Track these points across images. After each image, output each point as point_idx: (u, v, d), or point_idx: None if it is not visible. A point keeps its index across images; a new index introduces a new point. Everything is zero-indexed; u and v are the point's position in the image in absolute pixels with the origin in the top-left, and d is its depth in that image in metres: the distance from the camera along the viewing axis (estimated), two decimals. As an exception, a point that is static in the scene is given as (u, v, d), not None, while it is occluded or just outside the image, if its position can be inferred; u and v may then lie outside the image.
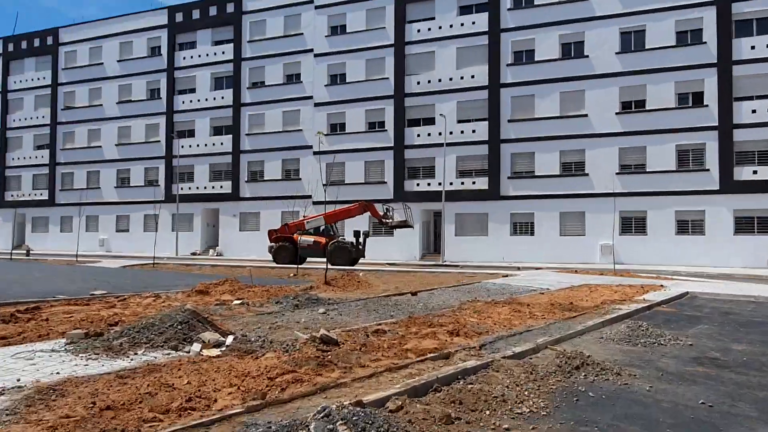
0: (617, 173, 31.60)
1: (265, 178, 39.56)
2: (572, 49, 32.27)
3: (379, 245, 35.08)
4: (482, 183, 33.76)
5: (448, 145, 34.30)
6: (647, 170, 30.93)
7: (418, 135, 35.35)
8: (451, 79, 34.88)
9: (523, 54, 33.53)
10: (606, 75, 31.60)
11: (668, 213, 30.59)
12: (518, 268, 26.92)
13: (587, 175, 32.12)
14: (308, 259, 29.32)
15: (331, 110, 37.41)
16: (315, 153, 37.04)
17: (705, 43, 29.52)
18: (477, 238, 33.77)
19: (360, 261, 29.39)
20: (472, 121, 34.42)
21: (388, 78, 36.26)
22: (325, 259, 27.32)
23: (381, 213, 29.07)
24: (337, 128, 37.67)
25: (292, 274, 21.40)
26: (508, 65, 33.48)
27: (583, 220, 32.31)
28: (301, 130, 38.60)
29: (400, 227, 28.89)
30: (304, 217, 30.64)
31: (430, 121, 35.56)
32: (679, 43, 30.10)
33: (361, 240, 28.36)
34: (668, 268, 27.85)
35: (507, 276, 20.58)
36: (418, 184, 35.27)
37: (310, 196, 35.59)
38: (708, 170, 30.18)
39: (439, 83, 34.79)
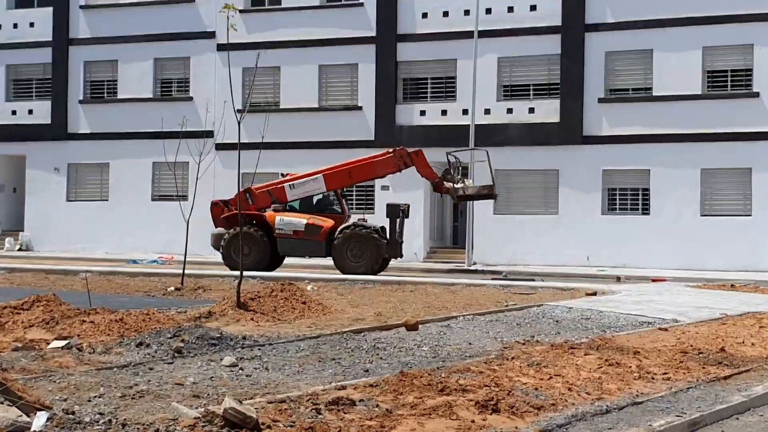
0: None
1: (119, 97, 40.91)
2: None
3: None
4: (548, 111, 34.60)
5: (484, 34, 33.88)
6: None
7: (424, 15, 35.87)
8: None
9: None
10: None
11: None
12: (618, 279, 27.72)
13: (757, 95, 31.80)
14: (287, 259, 29.86)
15: (252, -35, 39.48)
16: (221, 47, 36.76)
17: None
18: (537, 218, 34.65)
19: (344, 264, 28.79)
20: None
21: None
22: (328, 260, 28.23)
23: (436, 170, 28.66)
24: None
25: (173, 288, 22.18)
26: None
27: (749, 186, 32.37)
28: (192, 0, 39.72)
29: (477, 198, 29.15)
30: (282, 176, 29.84)
31: None
32: None
33: (397, 224, 28.36)
34: None
35: (595, 294, 21.34)
36: (423, 113, 35.90)
37: (210, 134, 33.39)
38: None
39: None
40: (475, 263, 32.54)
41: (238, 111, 20.00)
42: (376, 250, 27.20)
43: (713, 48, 32.13)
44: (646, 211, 33.20)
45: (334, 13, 36.82)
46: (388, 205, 28.95)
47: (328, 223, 27.83)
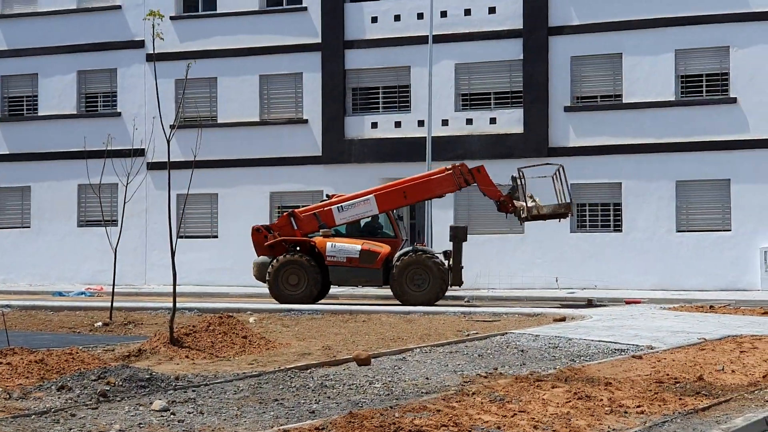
0: None
1: (40, 113, 40.92)
2: None
3: None
4: (511, 121, 34.71)
5: (440, 39, 33.98)
6: None
7: (374, 19, 35.93)
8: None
9: None
10: None
11: None
12: (589, 302, 27.90)
13: (734, 100, 32.03)
14: (336, 288, 29.99)
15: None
16: (150, 58, 36.48)
17: None
18: (502, 238, 34.75)
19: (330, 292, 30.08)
20: None
21: None
22: (384, 288, 28.43)
23: (501, 188, 28.42)
24: (197, 4, 38.38)
25: (101, 323, 22.05)
26: None
27: (727, 199, 32.46)
28: (119, 6, 39.18)
29: (551, 218, 28.42)
30: (328, 197, 29.46)
31: None
32: None
33: (451, 249, 28.05)
34: None
35: (564, 319, 21.48)
36: (375, 125, 35.85)
37: (140, 152, 32.62)
38: None
39: None
40: (434, 288, 32.44)
41: (170, 126, 19.70)
42: (440, 278, 26.88)
43: (687, 51, 32.31)
44: (618, 227, 33.27)
45: (275, 19, 36.78)
46: (452, 227, 28.65)
47: (384, 248, 27.58)
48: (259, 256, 28.26)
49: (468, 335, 18.29)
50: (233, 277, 35.40)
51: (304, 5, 35.91)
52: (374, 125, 35.24)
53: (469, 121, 34.36)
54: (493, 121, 34.19)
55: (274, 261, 27.41)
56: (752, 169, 30.98)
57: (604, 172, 33.22)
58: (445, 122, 34.25)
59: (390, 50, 35.14)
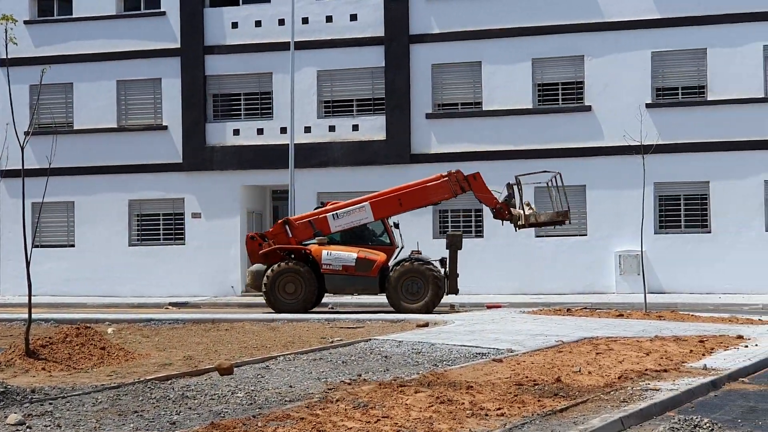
0: (649, 105, 32.27)
1: None
2: None
3: (152, 264, 35.97)
4: (374, 128, 34.89)
5: (302, 46, 34.13)
6: (708, 98, 32.53)
7: (234, 24, 36.02)
8: None
9: None
10: None
11: (752, 185, 31.65)
12: (452, 307, 27.82)
13: (589, 108, 32.83)
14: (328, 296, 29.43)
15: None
16: (3, 63, 35.32)
17: None
18: None
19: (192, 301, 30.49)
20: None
21: None
22: (379, 296, 27.86)
23: (497, 194, 27.83)
24: (53, 7, 38.14)
25: None
26: None
27: (583, 204, 33.33)
28: None
29: (549, 225, 28.37)
30: (322, 204, 28.86)
31: None
32: None
33: (446, 257, 27.67)
34: (753, 298, 29.67)
35: (427, 325, 21.61)
36: (237, 132, 35.91)
37: None
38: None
39: None
40: (297, 296, 32.42)
41: (24, 133, 19.27)
42: (436, 286, 26.44)
43: (543, 60, 32.92)
44: (479, 233, 33.53)
45: (133, 24, 36.34)
46: (447, 235, 28.31)
47: (380, 256, 27.19)
48: (253, 263, 27.83)
49: (332, 342, 18.30)
50: (91, 287, 34.70)
51: (162, 10, 35.40)
52: (236, 132, 34.93)
53: (332, 128, 34.39)
54: (355, 128, 34.28)
55: (271, 269, 26.83)
56: (607, 175, 31.44)
57: (465, 179, 33.25)
58: (307, 129, 34.15)
59: (251, 56, 34.94)
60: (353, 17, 34.25)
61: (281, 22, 34.51)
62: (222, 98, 35.50)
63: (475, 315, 24.33)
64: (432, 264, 26.78)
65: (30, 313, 17.68)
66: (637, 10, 31.63)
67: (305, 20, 34.28)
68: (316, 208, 28.95)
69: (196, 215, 34.68)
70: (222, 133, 35.07)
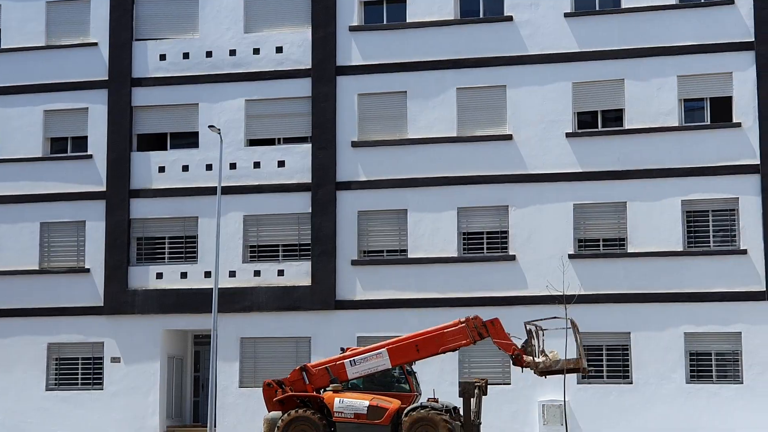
0: (571, 256, 32.78)
1: None
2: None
3: (69, 409, 35.03)
4: (299, 273, 34.92)
5: (228, 191, 34.70)
6: (629, 250, 32.67)
7: (161, 169, 36.09)
8: (234, 52, 35.39)
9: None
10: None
11: (672, 337, 31.99)
12: None
13: (513, 258, 33.17)
14: None
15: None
16: None
17: None
18: None
19: None
20: (279, 142, 35.70)
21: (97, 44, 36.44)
22: None
23: (514, 340, 27.20)
24: None
25: None
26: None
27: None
28: None
29: (562, 373, 26.93)
30: (342, 351, 28.30)
31: (190, 139, 36.41)
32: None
33: (473, 404, 26.77)
34: None
35: None
36: (160, 275, 35.70)
37: None
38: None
39: (207, 58, 35.73)
40: (217, 441, 31.59)
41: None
42: None
43: (468, 209, 33.16)
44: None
45: (58, 166, 36.05)
46: (461, 382, 27.62)
47: (393, 404, 26.63)
48: (269, 411, 27.19)
49: None
50: (5, 432, 33.70)
51: (89, 153, 35.20)
52: (159, 276, 34.50)
53: (257, 273, 34.12)
54: (281, 273, 34.04)
55: (281, 418, 26.44)
56: None
57: (390, 325, 33.21)
58: (232, 273, 33.92)
59: (177, 200, 34.72)
60: (281, 164, 34.36)
61: (209, 167, 34.58)
62: (146, 241, 35.11)
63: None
64: (444, 412, 26.15)
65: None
66: (560, 163, 32.14)
67: (233, 165, 34.34)
68: (337, 355, 28.45)
69: (115, 360, 34.04)
70: (145, 277, 34.63)
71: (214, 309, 31.59)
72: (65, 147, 35.89)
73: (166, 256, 35.14)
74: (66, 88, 35.73)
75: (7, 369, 34.58)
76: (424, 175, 33.41)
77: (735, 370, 31.12)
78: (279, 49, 34.39)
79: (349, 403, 26.54)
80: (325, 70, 33.82)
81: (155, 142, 35.70)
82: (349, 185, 33.77)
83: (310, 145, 33.78)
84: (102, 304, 34.33)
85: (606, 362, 32.41)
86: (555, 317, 27.20)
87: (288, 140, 34.47)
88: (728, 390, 30.84)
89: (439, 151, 32.94)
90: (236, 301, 33.36)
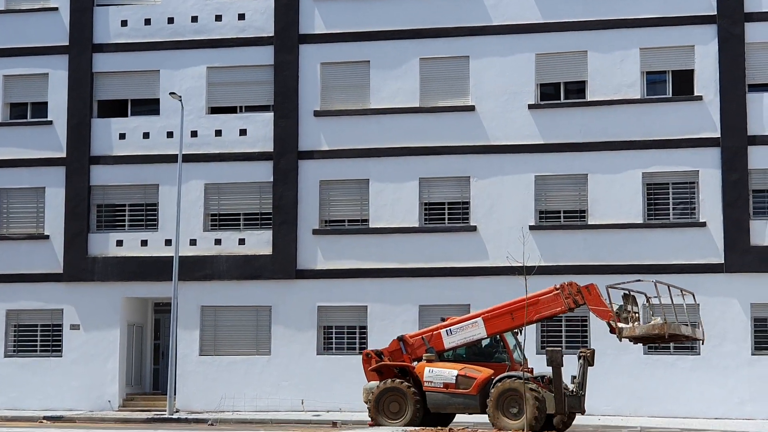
0: (532, 227, 32.91)
1: None
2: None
3: (27, 375, 35.00)
4: (260, 242, 35.00)
5: (190, 158, 34.67)
6: (589, 222, 32.92)
7: (122, 136, 36.05)
8: (195, 19, 35.03)
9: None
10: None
11: None
12: (334, 424, 28.55)
13: (474, 229, 33.31)
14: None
15: None
16: None
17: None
18: (247, 359, 34.52)
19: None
20: (241, 111, 35.70)
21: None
22: (487, 417, 25.82)
23: (614, 307, 25.88)
24: None
25: None
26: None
27: None
28: None
29: (647, 342, 26.55)
30: (442, 320, 27.84)
31: (151, 106, 36.25)
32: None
33: (576, 373, 26.03)
34: (631, 420, 30.10)
35: None
36: (120, 243, 35.74)
37: None
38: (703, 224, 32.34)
39: (169, 24, 35.79)
40: (177, 411, 32.10)
41: None
42: (535, 406, 24.90)
43: (430, 179, 33.27)
44: (363, 349, 31.63)
45: (18, 132, 35.90)
46: (547, 350, 26.50)
47: (483, 373, 25.90)
48: (369, 381, 26.86)
49: None
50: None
51: (49, 119, 35.05)
52: (119, 243, 34.47)
53: (218, 242, 34.23)
54: (242, 241, 34.14)
55: (374, 388, 26.11)
56: (490, 294, 30.69)
57: (351, 296, 33.55)
58: (193, 242, 33.95)
59: (138, 167, 34.72)
60: (243, 132, 34.41)
61: (170, 134, 34.51)
62: (106, 209, 35.08)
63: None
64: (532, 382, 25.48)
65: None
66: (522, 134, 32.35)
67: (194, 133, 34.29)
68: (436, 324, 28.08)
69: (74, 327, 34.00)
70: (105, 244, 34.61)
71: (174, 277, 31.78)
72: (25, 113, 35.72)
73: (127, 223, 35.12)
74: (26, 53, 35.42)
75: (-35, 337, 34.40)
76: (387, 145, 33.54)
77: (692, 342, 31.27)
78: (241, 16, 34.22)
79: (438, 372, 26.11)
80: (287, 38, 33.72)
81: (116, 108, 35.55)
82: (311, 154, 33.84)
83: (273, 113, 33.78)
84: (61, 271, 34.33)
85: (564, 334, 32.83)
86: (638, 280, 26.56)
87: (250, 108, 34.46)
88: (685, 361, 31.26)
89: (402, 121, 33.03)
90: (197, 269, 33.44)
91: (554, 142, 32.18)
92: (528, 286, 24.19)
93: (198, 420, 30.02)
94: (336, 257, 33.55)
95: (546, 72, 32.75)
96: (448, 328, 26.71)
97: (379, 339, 32.80)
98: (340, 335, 33.91)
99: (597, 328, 31.40)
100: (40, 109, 35.38)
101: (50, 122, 35.07)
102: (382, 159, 33.46)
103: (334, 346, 33.78)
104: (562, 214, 32.58)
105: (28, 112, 35.58)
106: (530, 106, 32.37)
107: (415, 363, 26.23)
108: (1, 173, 35.19)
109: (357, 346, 33.46)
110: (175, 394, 32.32)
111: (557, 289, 26.16)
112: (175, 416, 31.02)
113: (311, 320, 33.59)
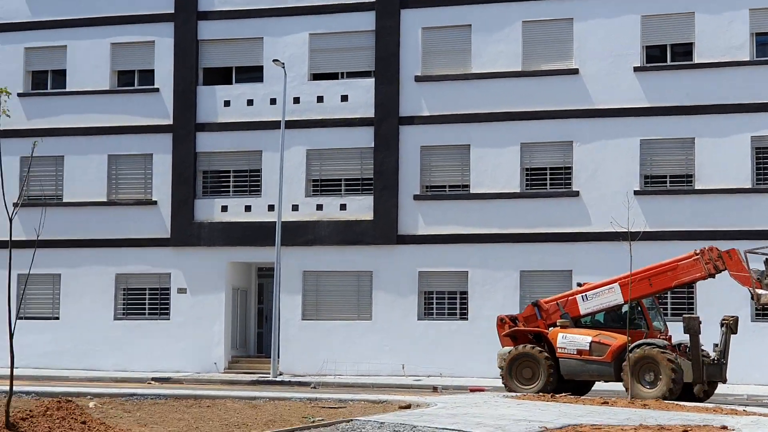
0: (637, 192, 32.38)
1: None
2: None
3: (136, 338, 35.66)
4: (361, 207, 35.12)
5: (292, 125, 34.87)
6: (696, 187, 32.45)
7: (227, 103, 36.31)
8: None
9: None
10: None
11: None
12: (435, 389, 28.23)
13: (577, 194, 32.93)
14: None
15: (32, 40, 37.65)
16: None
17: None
18: (349, 324, 34.69)
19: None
20: (342, 77, 35.64)
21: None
22: (622, 385, 25.37)
23: (755, 272, 25.19)
24: (46, 81, 38.17)
25: None
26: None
27: (569, 289, 31.34)
28: None
29: None
30: (579, 285, 27.72)
31: (254, 73, 36.36)
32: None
33: (719, 342, 25.32)
34: (737, 389, 29.22)
35: (410, 407, 20.84)
36: (225, 208, 36.03)
37: None
38: None
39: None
40: (281, 374, 32.33)
41: (13, 204, 19.23)
42: (670, 374, 24.40)
43: (532, 144, 32.92)
44: (464, 315, 33.33)
45: (126, 99, 36.51)
46: (684, 317, 26.01)
47: (618, 340, 25.31)
48: (503, 347, 26.82)
49: (313, 422, 17.83)
50: (74, 360, 34.42)
51: (156, 86, 35.58)
52: (224, 209, 34.88)
53: (320, 207, 34.40)
54: (343, 207, 34.27)
55: (507, 353, 25.92)
56: (593, 260, 30.95)
57: (452, 261, 33.38)
58: (295, 207, 34.18)
59: (242, 134, 34.99)
60: (344, 98, 34.46)
61: (273, 101, 34.66)
62: (211, 175, 35.53)
63: (457, 398, 23.53)
64: (668, 350, 24.90)
65: (11, 385, 16.85)
66: (627, 98, 31.80)
67: (296, 100, 34.45)
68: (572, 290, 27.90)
69: (181, 290, 34.56)
70: (210, 210, 35.06)
71: (277, 242, 32.02)
72: (132, 80, 36.26)
73: (231, 189, 35.47)
74: (133, 20, 35.90)
75: (76, 298, 35.34)
76: (488, 110, 33.22)
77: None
78: (343, -18, 34.16)
79: (571, 339, 25.65)
80: (389, 3, 33.60)
81: (221, 75, 35.87)
82: (412, 120, 33.76)
83: (374, 79, 33.71)
84: (169, 236, 34.91)
85: (671, 297, 32.11)
86: None
87: (351, 74, 34.46)
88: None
89: (503, 85, 32.72)
90: (299, 234, 33.66)
91: (660, 105, 31.54)
92: (633, 252, 23.70)
93: (301, 383, 30.12)
94: (437, 223, 33.43)
95: (652, 34, 32.08)
96: (584, 294, 26.34)
97: (480, 305, 32.87)
98: (441, 300, 33.85)
99: (702, 293, 31.10)
100: (147, 76, 35.87)
101: (157, 89, 35.59)
102: (483, 124, 33.19)
103: (435, 311, 33.78)
104: (668, 179, 31.99)
105: (135, 80, 36.12)
106: (636, 69, 31.77)
107: (549, 329, 25.77)
108: (110, 140, 35.80)
109: (458, 311, 33.45)
110: (278, 358, 32.58)
111: (697, 254, 25.37)
112: (278, 379, 31.23)
113: (412, 285, 33.55)
